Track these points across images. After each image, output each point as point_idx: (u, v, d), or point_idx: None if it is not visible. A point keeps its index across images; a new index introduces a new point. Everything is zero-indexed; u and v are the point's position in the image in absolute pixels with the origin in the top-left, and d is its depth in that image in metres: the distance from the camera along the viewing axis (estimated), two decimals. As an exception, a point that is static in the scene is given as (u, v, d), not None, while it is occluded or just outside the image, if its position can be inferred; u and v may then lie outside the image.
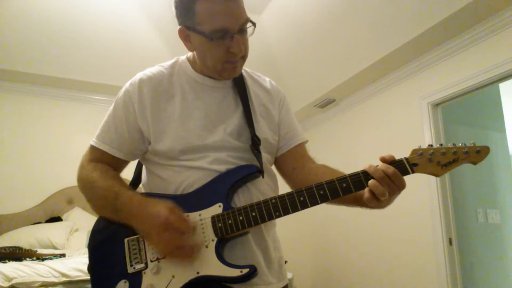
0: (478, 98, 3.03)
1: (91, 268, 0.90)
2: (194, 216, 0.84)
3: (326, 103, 3.72)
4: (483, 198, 2.93)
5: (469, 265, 2.64)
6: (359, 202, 0.86)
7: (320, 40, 2.99)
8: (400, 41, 2.58)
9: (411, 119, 2.86)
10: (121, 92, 0.95)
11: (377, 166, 0.79)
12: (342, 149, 3.69)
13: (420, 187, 2.65)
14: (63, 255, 2.40)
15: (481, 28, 2.33)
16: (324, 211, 3.82)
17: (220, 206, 0.84)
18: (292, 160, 1.04)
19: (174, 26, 0.91)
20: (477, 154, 0.78)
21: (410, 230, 2.79)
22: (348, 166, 3.77)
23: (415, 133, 2.80)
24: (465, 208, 2.79)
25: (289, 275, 3.21)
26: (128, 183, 1.01)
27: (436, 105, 2.71)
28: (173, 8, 0.89)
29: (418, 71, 2.84)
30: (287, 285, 0.96)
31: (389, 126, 3.10)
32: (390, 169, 0.77)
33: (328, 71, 3.25)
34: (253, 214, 0.82)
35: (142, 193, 0.95)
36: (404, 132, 2.93)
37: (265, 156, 0.97)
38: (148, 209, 0.79)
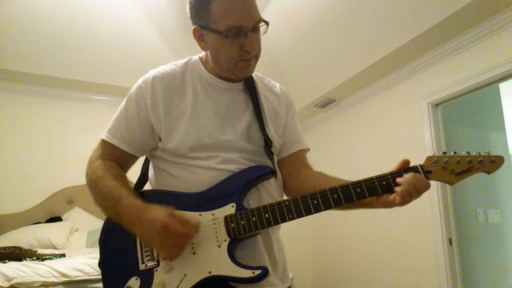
0: (478, 98, 3.02)
1: (102, 264, 0.90)
2: (207, 215, 0.84)
3: (326, 103, 3.72)
4: (483, 198, 2.93)
5: (469, 265, 2.63)
6: (366, 205, 0.87)
7: (320, 40, 2.99)
8: (400, 41, 2.58)
9: (411, 119, 2.86)
10: (133, 88, 0.96)
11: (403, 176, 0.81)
12: (342, 149, 3.69)
13: (420, 187, 2.64)
14: (63, 255, 2.39)
15: (481, 28, 2.33)
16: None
17: (233, 207, 0.84)
18: (289, 165, 1.03)
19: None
20: (492, 163, 0.78)
21: (410, 230, 2.79)
22: (348, 165, 3.75)
23: (415, 133, 2.80)
24: (465, 208, 2.78)
25: (289, 275, 3.20)
26: (133, 181, 1.01)
27: (436, 105, 2.71)
28: (187, 9, 0.90)
29: (418, 71, 2.84)
30: (290, 286, 0.97)
31: (389, 126, 3.10)
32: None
33: (328, 71, 3.25)
34: (266, 215, 0.82)
35: (151, 190, 0.96)
36: (404, 132, 2.93)
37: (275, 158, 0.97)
38: (145, 216, 0.78)
